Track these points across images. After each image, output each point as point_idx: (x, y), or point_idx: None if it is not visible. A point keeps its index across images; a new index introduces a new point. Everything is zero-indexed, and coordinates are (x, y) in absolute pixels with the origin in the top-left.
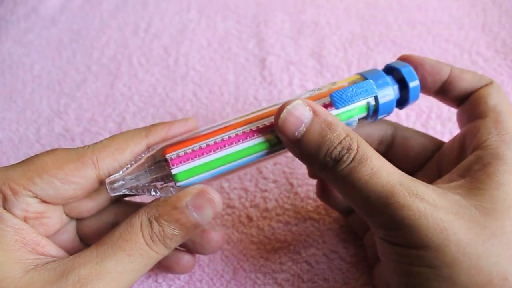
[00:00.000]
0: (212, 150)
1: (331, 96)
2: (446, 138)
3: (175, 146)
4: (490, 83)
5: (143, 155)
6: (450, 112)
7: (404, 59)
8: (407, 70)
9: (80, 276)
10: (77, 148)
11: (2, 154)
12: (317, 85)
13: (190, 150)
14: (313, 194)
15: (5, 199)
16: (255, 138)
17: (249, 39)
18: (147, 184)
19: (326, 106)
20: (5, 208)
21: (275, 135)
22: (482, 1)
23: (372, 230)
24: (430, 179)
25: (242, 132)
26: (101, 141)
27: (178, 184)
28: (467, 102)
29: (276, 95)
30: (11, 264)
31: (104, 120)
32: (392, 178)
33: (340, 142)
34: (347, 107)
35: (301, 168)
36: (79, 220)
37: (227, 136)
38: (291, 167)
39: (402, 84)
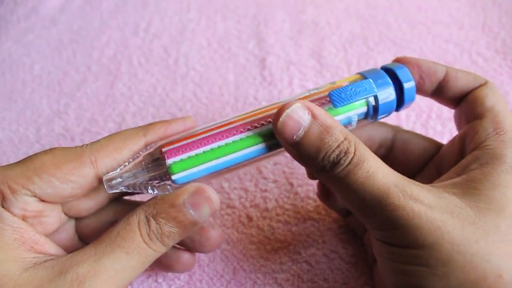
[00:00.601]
0: (207, 142)
1: (329, 94)
2: (446, 138)
3: (172, 143)
4: (485, 83)
5: (141, 153)
6: (450, 113)
7: (399, 60)
8: (402, 71)
9: (78, 274)
10: (76, 147)
11: (2, 154)
12: (317, 85)
13: (185, 143)
14: (313, 194)
15: (3, 198)
16: (251, 131)
17: (249, 39)
18: (144, 182)
19: (322, 104)
20: (3, 207)
21: (271, 130)
22: (482, 1)
23: (369, 231)
24: (430, 181)
25: (238, 125)
26: (99, 140)
27: (173, 176)
28: (464, 103)
29: (276, 95)
30: (9, 262)
31: (104, 120)
32: (387, 180)
33: (338, 146)
34: (346, 106)
35: (301, 168)
36: (77, 219)
37: (223, 129)
38: (291, 167)
39: (398, 85)
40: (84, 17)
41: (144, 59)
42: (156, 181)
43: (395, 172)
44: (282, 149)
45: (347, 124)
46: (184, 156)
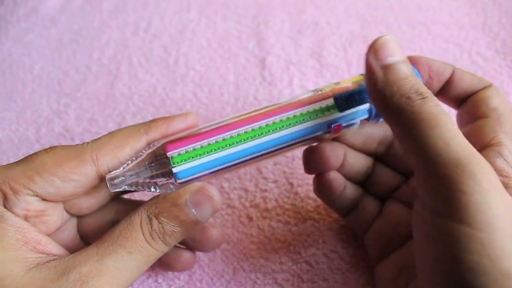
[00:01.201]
0: (210, 136)
1: (335, 98)
2: None
3: (175, 140)
4: (489, 85)
5: (143, 151)
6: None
7: (410, 60)
8: None
9: (81, 274)
10: (76, 145)
11: (2, 154)
12: (317, 85)
13: (188, 138)
14: (313, 194)
15: (5, 198)
16: (252, 126)
17: (249, 39)
18: (147, 181)
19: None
20: (5, 207)
21: (274, 128)
22: (482, 1)
23: (420, 195)
24: None
25: (241, 120)
26: (100, 138)
27: (174, 169)
28: (467, 103)
29: (276, 95)
30: (12, 262)
31: (104, 120)
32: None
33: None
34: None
35: (301, 168)
36: (79, 217)
37: (227, 125)
38: (291, 167)
39: None
40: (84, 17)
41: (144, 59)
42: (159, 179)
43: None
44: (286, 147)
45: (349, 126)
46: (186, 148)
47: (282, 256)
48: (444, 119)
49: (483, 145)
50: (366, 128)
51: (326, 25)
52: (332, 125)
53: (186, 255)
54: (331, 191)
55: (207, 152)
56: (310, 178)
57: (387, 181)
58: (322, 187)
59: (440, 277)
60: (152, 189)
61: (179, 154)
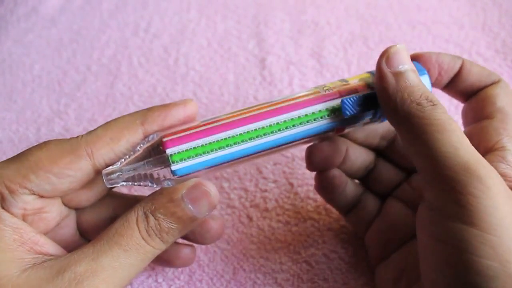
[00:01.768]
0: (210, 132)
1: (342, 101)
2: None
3: (173, 134)
4: (498, 81)
5: (141, 145)
6: (456, 110)
7: (419, 57)
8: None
9: (76, 273)
10: (70, 139)
11: (2, 154)
12: (317, 85)
13: (187, 133)
14: (313, 194)
15: (2, 199)
16: (255, 125)
17: (249, 39)
18: (144, 176)
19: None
20: (3, 208)
21: (276, 127)
22: (482, 1)
23: (427, 198)
24: None
25: (243, 118)
26: (95, 130)
27: (173, 167)
28: (474, 99)
29: (276, 95)
30: (8, 263)
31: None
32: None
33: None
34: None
35: (301, 168)
36: (78, 212)
37: (227, 121)
38: (291, 167)
39: None
40: (84, 17)
41: (144, 59)
42: (155, 173)
43: None
44: (288, 146)
45: (352, 126)
46: (185, 146)
47: (282, 256)
48: (453, 125)
49: (487, 149)
50: (371, 125)
51: (326, 25)
52: (336, 127)
53: (185, 251)
54: (333, 188)
55: (208, 151)
56: (310, 178)
57: (388, 177)
58: (323, 184)
59: (447, 280)
60: (149, 184)
61: (179, 152)
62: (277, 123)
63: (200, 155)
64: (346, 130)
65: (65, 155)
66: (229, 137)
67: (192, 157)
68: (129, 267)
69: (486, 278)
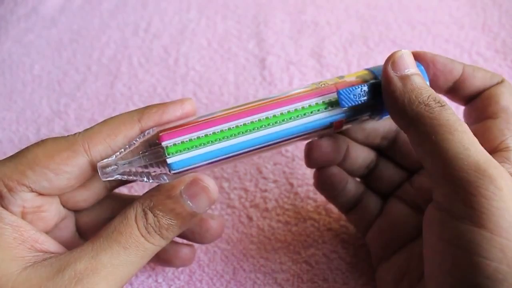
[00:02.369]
0: (207, 126)
1: (338, 93)
2: None
3: (169, 128)
4: (502, 81)
5: (137, 139)
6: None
7: (415, 55)
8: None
9: (76, 271)
10: (68, 136)
11: (2, 154)
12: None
13: (184, 128)
14: (313, 194)
15: (1, 197)
16: (251, 118)
17: (249, 39)
18: (140, 170)
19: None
20: (2, 206)
21: (273, 122)
22: (482, 1)
23: (436, 199)
24: None
25: (240, 111)
26: (92, 127)
27: (168, 160)
28: (477, 100)
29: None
30: (8, 261)
31: None
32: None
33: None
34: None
35: (301, 168)
36: (77, 214)
37: (225, 115)
38: (291, 167)
39: None
40: (84, 17)
41: (144, 59)
42: (153, 170)
43: None
44: (285, 141)
45: (351, 122)
46: (181, 139)
47: (282, 256)
48: (463, 125)
49: (491, 149)
50: (370, 123)
51: (326, 25)
52: (333, 121)
53: (184, 250)
54: (332, 186)
55: (204, 144)
56: (310, 178)
57: (389, 177)
58: (322, 182)
59: (454, 282)
60: (145, 179)
61: (174, 145)
62: (274, 116)
63: (197, 147)
64: (345, 127)
65: (61, 150)
66: (225, 129)
67: (188, 149)
68: (129, 264)
69: (495, 281)
